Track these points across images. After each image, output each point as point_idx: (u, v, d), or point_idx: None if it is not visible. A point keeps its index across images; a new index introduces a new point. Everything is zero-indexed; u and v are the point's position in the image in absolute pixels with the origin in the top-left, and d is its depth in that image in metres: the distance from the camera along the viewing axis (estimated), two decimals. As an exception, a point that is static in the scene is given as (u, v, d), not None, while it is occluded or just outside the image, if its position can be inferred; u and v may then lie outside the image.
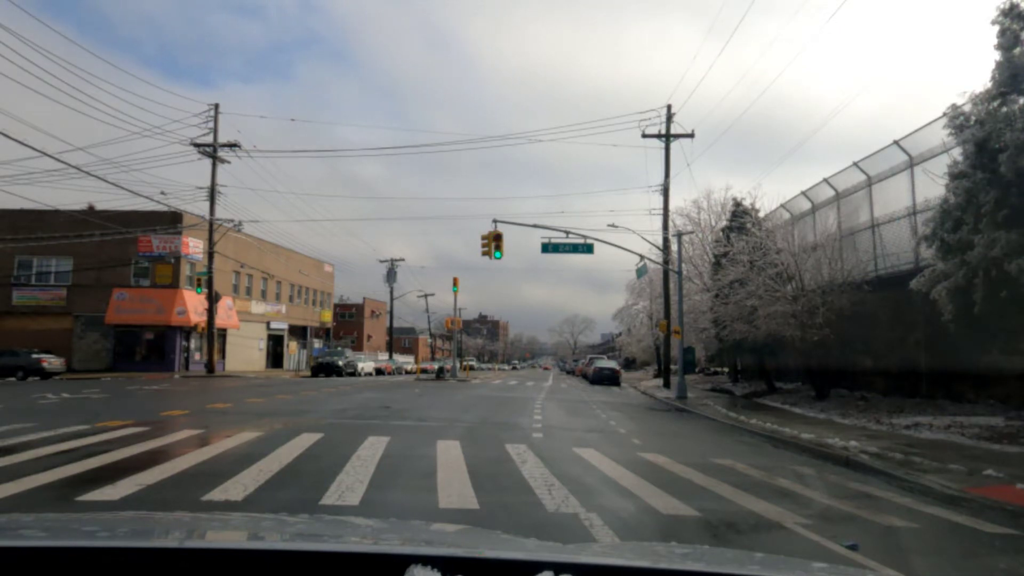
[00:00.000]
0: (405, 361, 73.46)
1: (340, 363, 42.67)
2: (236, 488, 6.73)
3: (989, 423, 13.31)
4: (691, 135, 31.36)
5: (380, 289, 73.39)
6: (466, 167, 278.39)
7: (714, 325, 27.01)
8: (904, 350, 18.49)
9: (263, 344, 49.32)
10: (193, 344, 40.16)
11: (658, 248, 30.71)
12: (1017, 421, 13.31)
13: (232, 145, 35.74)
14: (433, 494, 6.75)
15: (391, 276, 64.32)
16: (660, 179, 31.49)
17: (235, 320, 42.76)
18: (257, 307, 47.87)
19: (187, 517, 2.60)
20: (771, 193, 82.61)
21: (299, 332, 56.08)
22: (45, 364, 31.11)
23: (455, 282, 41.82)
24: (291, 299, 53.97)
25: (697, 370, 43.59)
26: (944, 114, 13.32)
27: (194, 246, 38.74)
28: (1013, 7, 11.83)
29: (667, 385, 31.41)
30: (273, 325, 50.72)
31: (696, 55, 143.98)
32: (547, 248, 27.65)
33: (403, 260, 66.97)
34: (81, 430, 11.05)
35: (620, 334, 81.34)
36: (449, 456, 9.14)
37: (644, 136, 31.40)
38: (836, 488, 8.04)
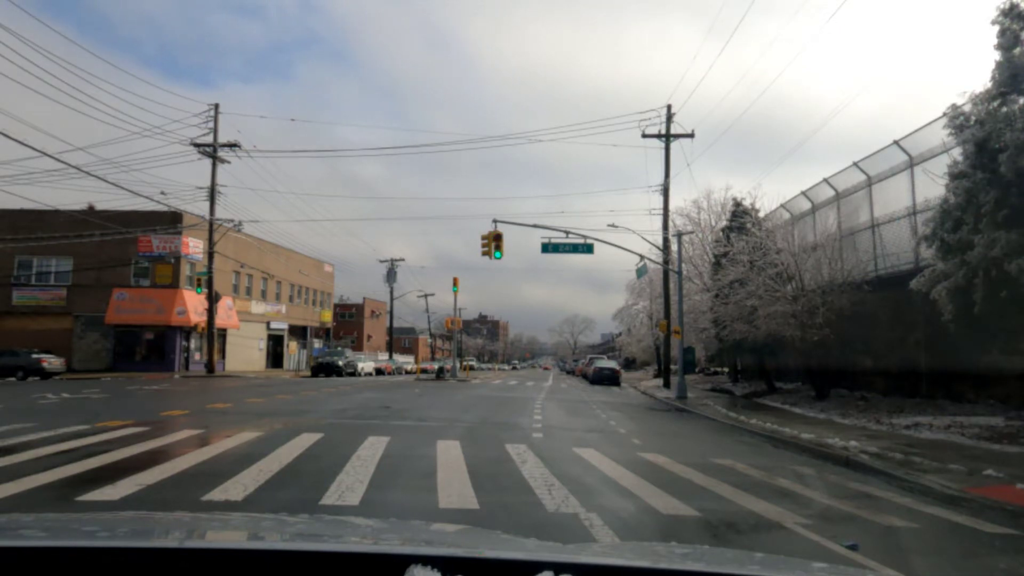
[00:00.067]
0: (405, 361, 73.46)
1: (340, 363, 42.67)
2: (236, 488, 6.73)
3: (989, 423, 13.31)
4: (691, 135, 31.39)
5: (380, 289, 73.50)
6: (466, 167, 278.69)
7: (714, 325, 27.01)
8: (904, 350, 18.49)
9: (263, 344, 49.33)
10: (193, 344, 40.16)
11: (658, 248, 30.72)
12: (1017, 421, 13.31)
13: (232, 145, 35.74)
14: (433, 494, 6.75)
15: (391, 276, 64.34)
16: (660, 179, 31.52)
17: (235, 320, 42.76)
18: (257, 307, 47.88)
19: (187, 517, 2.60)
20: (771, 193, 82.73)
21: (299, 332, 56.08)
22: (45, 364, 31.11)
23: (455, 282, 41.86)
24: (291, 299, 53.97)
25: (697, 370, 43.58)
26: (944, 114, 13.32)
27: (194, 246, 38.75)
28: (1013, 7, 11.83)
29: (667, 385, 31.41)
30: (273, 325, 50.73)
31: (696, 55, 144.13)
32: (547, 248, 27.66)
33: (403, 260, 67.10)
34: (81, 430, 11.06)
35: (620, 334, 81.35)
36: (449, 456, 9.14)
37: (644, 136, 31.42)
38: (836, 488, 8.04)
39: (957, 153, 13.49)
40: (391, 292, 66.16)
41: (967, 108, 12.53)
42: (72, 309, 38.53)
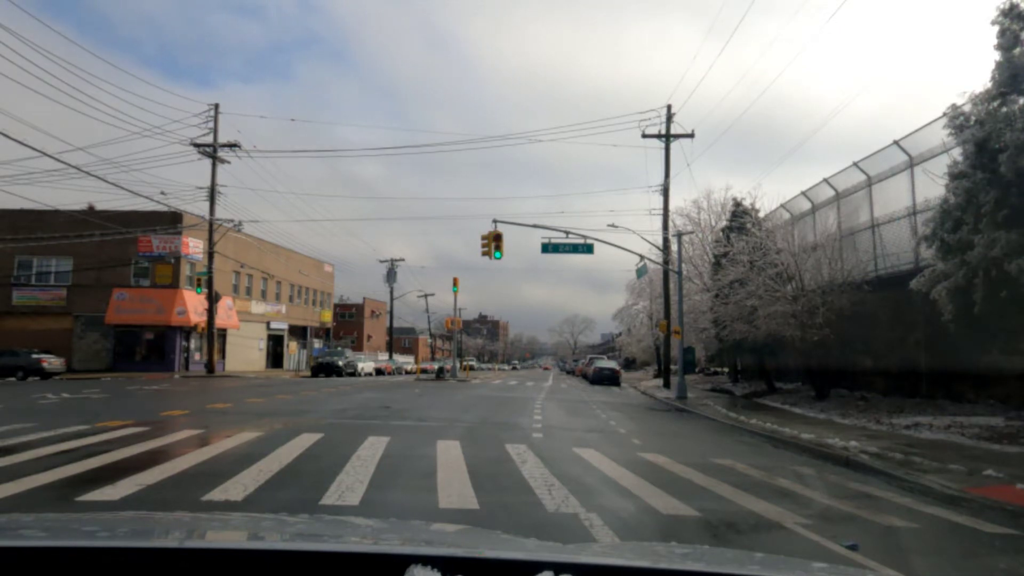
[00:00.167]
0: (405, 361, 73.44)
1: (340, 363, 42.67)
2: (236, 488, 6.73)
3: (989, 423, 13.31)
4: (691, 135, 31.38)
5: (380, 289, 73.47)
6: (466, 167, 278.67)
7: (714, 325, 27.02)
8: (904, 350, 18.49)
9: (263, 344, 49.33)
10: (193, 344, 40.16)
11: (658, 248, 30.72)
12: (1017, 421, 13.31)
13: (232, 145, 35.74)
14: (433, 494, 6.75)
15: (391, 276, 64.34)
16: (660, 179, 31.52)
17: (235, 320, 42.76)
18: (257, 307, 47.88)
19: (187, 517, 2.60)
20: (771, 193, 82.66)
21: (299, 332, 56.08)
22: (45, 364, 31.11)
23: (455, 282, 41.86)
24: (291, 299, 53.97)
25: (697, 370, 43.59)
26: (944, 114, 13.32)
27: (194, 246, 38.75)
28: (1013, 7, 11.83)
29: (667, 385, 31.41)
30: (273, 325, 50.73)
31: (696, 55, 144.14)
32: (547, 248, 27.66)
33: (403, 260, 67.08)
34: (81, 430, 11.06)
35: (620, 334, 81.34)
36: (449, 456, 9.14)
37: (644, 136, 31.41)
38: (836, 488, 8.04)
39: (957, 153, 13.49)
40: (391, 292, 66.20)
41: (967, 108, 12.53)
42: (72, 309, 38.53)
